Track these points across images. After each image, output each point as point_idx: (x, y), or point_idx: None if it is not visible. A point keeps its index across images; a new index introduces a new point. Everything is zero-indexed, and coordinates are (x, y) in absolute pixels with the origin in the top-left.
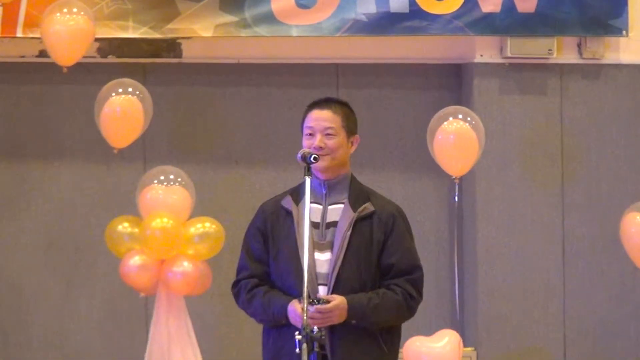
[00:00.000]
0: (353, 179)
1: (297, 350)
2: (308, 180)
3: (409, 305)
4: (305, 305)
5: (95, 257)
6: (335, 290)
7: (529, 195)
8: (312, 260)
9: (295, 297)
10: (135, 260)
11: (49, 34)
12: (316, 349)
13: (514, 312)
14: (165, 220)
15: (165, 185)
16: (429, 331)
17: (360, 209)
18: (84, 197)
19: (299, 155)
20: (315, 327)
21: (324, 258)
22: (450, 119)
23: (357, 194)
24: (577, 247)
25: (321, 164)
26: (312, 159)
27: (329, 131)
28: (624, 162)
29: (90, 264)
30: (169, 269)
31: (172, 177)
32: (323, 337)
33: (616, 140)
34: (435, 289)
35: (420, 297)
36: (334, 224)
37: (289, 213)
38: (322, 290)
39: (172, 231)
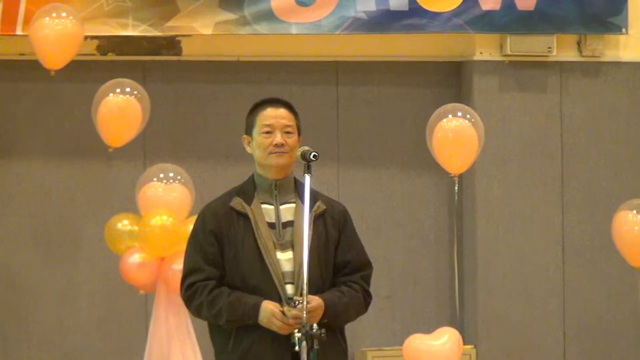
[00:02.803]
0: (295, 178)
1: (297, 348)
2: (308, 178)
3: (367, 302)
4: (305, 304)
5: (94, 254)
6: (303, 288)
7: (528, 192)
8: (275, 261)
9: (260, 297)
10: (134, 258)
11: (37, 37)
12: (315, 347)
13: (514, 310)
14: (164, 217)
15: (165, 183)
16: (428, 329)
17: (315, 207)
18: (84, 194)
19: (299, 153)
20: (315, 325)
21: (286, 257)
22: (450, 116)
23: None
24: (576, 245)
25: (280, 161)
26: (312, 156)
27: (288, 129)
28: (623, 159)
29: (90, 261)
30: (169, 267)
31: (171, 174)
32: (323, 336)
33: (615, 137)
34: (435, 286)
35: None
36: (290, 223)
37: (240, 214)
38: (290, 289)
39: (171, 229)
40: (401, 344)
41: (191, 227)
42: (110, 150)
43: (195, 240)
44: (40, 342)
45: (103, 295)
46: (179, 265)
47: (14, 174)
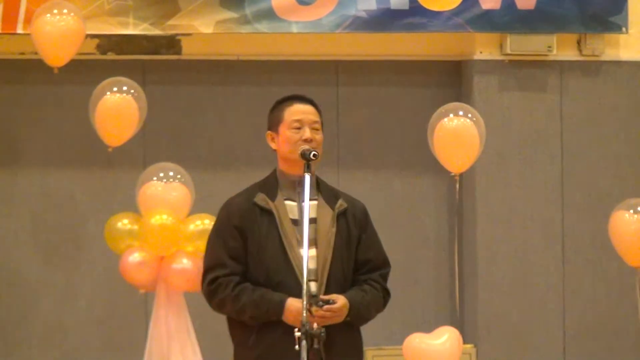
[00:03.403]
0: (317, 176)
1: (297, 347)
2: (308, 177)
3: (385, 300)
4: (304, 302)
5: (94, 253)
6: (327, 286)
7: (528, 192)
8: (299, 257)
9: (285, 294)
10: (134, 257)
11: (39, 34)
12: (315, 346)
13: (514, 309)
14: (164, 217)
15: (165, 182)
16: (428, 328)
17: (337, 205)
18: (83, 193)
19: (299, 151)
20: (315, 324)
21: (310, 254)
22: (451, 115)
23: (327, 191)
24: (576, 244)
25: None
26: (312, 155)
27: (315, 125)
28: (623, 159)
29: (90, 260)
30: (169, 266)
31: (171, 173)
32: (322, 334)
33: (616, 137)
34: (435, 286)
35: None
36: (313, 220)
37: (264, 210)
38: (313, 286)
39: (171, 228)
40: (401, 343)
41: (191, 226)
42: (109, 149)
43: (218, 235)
44: (40, 341)
45: (103, 295)
46: (179, 265)
47: (13, 173)
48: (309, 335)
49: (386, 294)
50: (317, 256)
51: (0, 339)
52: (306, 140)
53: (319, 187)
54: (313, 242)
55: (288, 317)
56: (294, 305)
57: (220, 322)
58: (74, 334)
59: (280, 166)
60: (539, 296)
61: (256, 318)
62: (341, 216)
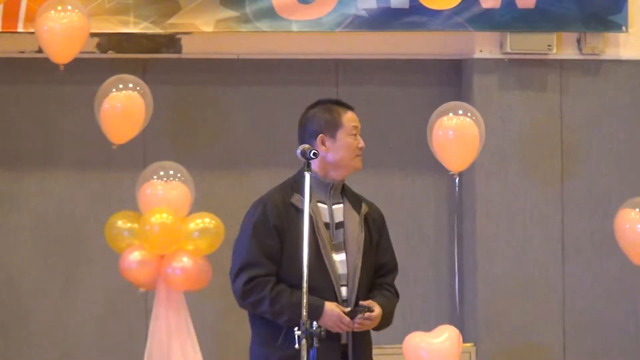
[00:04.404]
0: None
1: (297, 346)
2: (308, 176)
3: (396, 304)
4: (304, 300)
5: (94, 252)
6: (357, 291)
7: (528, 191)
8: (333, 261)
9: (320, 299)
10: (134, 256)
11: (43, 31)
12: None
13: (514, 308)
14: (164, 215)
15: (165, 181)
16: (428, 327)
17: (363, 210)
18: (83, 192)
19: (299, 151)
20: (315, 323)
21: (339, 259)
22: (450, 114)
23: (351, 195)
24: (576, 243)
25: (360, 164)
26: (312, 154)
27: (360, 133)
28: (623, 158)
29: (90, 259)
30: (169, 265)
31: (171, 172)
32: (322, 333)
33: (616, 135)
34: (435, 284)
35: None
36: (341, 224)
37: (301, 212)
38: (344, 291)
39: (171, 227)
40: (401, 341)
41: (191, 225)
42: (114, 147)
43: (254, 233)
44: (40, 340)
45: (103, 293)
46: (179, 263)
47: (13, 172)
48: (309, 335)
49: (397, 299)
50: (347, 261)
51: (0, 339)
52: (361, 148)
53: (344, 190)
54: (342, 246)
55: (327, 322)
56: (332, 310)
57: (219, 320)
58: (73, 334)
59: (319, 169)
60: (539, 295)
61: (293, 321)
62: (365, 221)
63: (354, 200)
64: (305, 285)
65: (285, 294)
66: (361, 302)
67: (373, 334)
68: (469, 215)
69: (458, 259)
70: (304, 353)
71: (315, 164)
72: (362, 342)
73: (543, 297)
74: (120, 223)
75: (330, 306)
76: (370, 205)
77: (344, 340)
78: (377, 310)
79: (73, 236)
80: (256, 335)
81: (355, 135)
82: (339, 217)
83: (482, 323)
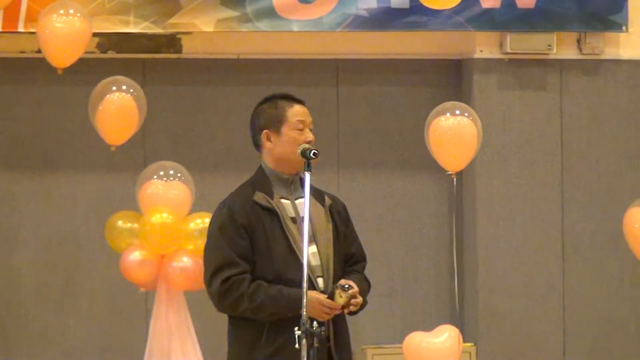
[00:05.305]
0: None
1: (297, 345)
2: (308, 175)
3: (368, 290)
4: (304, 299)
5: (95, 252)
6: (333, 281)
7: (528, 190)
8: (306, 254)
9: (299, 289)
10: (135, 256)
11: (45, 35)
12: (315, 344)
13: (514, 308)
14: (165, 215)
15: (165, 181)
16: (428, 326)
17: (327, 202)
18: (84, 192)
19: (299, 150)
20: (315, 322)
21: (311, 251)
22: (448, 114)
23: (313, 189)
24: (576, 243)
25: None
26: (312, 154)
27: (311, 127)
28: (623, 158)
29: (90, 259)
30: (169, 264)
31: (171, 172)
32: (323, 333)
33: (615, 135)
34: (435, 284)
35: None
36: (308, 218)
37: (265, 209)
38: (320, 282)
39: (171, 226)
40: (401, 341)
41: (192, 224)
42: (112, 148)
43: (224, 235)
44: (40, 339)
45: (103, 294)
46: (179, 263)
47: (13, 172)
48: (309, 334)
49: (369, 285)
50: (319, 252)
51: (0, 338)
52: (309, 142)
53: (301, 185)
54: (312, 239)
55: (310, 311)
56: (312, 296)
57: (219, 320)
58: (74, 333)
59: (271, 165)
60: (539, 294)
61: (275, 314)
62: (330, 213)
63: (316, 193)
64: (305, 285)
65: (263, 288)
66: (341, 281)
67: (373, 334)
68: (469, 215)
69: (458, 258)
70: (304, 353)
71: (267, 160)
72: (343, 341)
73: (543, 297)
74: (120, 223)
75: (311, 293)
76: (333, 197)
77: (316, 343)
78: (356, 288)
79: (73, 236)
80: (235, 340)
81: (301, 129)
82: (304, 211)
83: (483, 323)
